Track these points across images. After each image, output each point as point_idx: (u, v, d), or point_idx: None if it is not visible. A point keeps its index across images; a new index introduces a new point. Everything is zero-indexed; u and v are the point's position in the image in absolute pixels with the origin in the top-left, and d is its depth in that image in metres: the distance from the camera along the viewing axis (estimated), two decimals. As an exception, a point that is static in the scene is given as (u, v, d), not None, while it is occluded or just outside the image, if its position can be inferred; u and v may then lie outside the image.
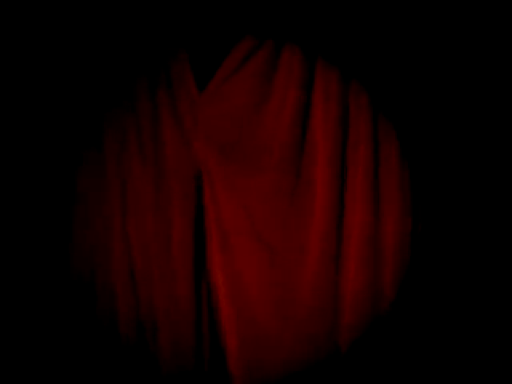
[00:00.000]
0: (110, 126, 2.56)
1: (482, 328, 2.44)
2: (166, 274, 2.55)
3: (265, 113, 2.54)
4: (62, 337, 2.50)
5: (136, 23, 2.52)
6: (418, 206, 2.49)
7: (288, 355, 2.52)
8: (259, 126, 2.54)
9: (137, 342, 2.54)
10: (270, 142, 2.54)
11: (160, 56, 2.56)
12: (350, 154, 2.52)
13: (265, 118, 2.54)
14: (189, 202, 2.55)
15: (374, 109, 2.51)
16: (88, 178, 2.55)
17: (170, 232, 2.54)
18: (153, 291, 2.54)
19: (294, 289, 2.53)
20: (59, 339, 2.50)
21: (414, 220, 2.50)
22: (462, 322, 2.45)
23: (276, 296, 2.53)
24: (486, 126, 2.44)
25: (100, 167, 2.55)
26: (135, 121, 2.55)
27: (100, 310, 2.54)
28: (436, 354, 2.46)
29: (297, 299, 2.52)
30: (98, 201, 2.55)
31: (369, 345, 2.48)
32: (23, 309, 2.49)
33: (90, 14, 2.49)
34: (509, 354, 2.42)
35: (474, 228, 2.45)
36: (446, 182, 2.46)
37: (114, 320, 2.53)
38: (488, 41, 2.42)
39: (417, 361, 2.46)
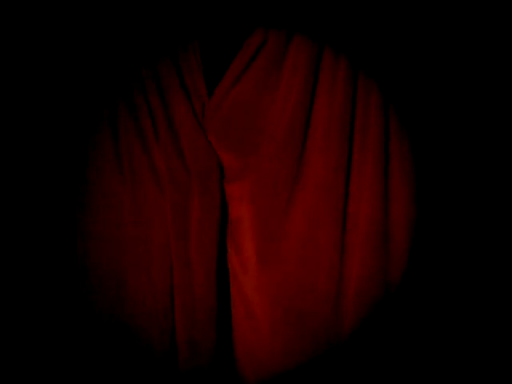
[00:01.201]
0: (120, 120, 2.58)
1: (487, 316, 2.43)
2: (184, 269, 2.57)
3: (272, 104, 2.54)
4: (71, 334, 2.54)
5: (142, 16, 2.52)
6: (427, 194, 2.46)
7: (291, 346, 2.54)
8: (267, 117, 2.54)
9: (152, 338, 2.58)
10: (276, 130, 2.53)
11: (169, 47, 2.57)
12: (357, 140, 2.50)
13: (272, 108, 2.54)
14: (209, 197, 2.57)
15: (384, 96, 2.48)
16: (100, 170, 2.58)
17: (188, 226, 2.56)
18: (170, 287, 2.58)
19: (298, 278, 2.53)
20: (68, 336, 2.54)
21: (422, 208, 2.47)
22: (466, 312, 2.44)
23: (280, 287, 2.54)
24: (498, 118, 2.42)
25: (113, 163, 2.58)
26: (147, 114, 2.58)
27: (113, 305, 2.58)
28: (440, 342, 2.45)
29: (300, 289, 2.53)
30: (112, 193, 2.57)
31: (372, 333, 2.46)
32: (35, 303, 2.53)
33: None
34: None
35: (482, 216, 2.43)
36: (454, 168, 2.44)
37: (128, 316, 2.58)
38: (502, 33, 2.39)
39: (421, 348, 2.45)
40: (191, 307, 2.58)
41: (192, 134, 2.57)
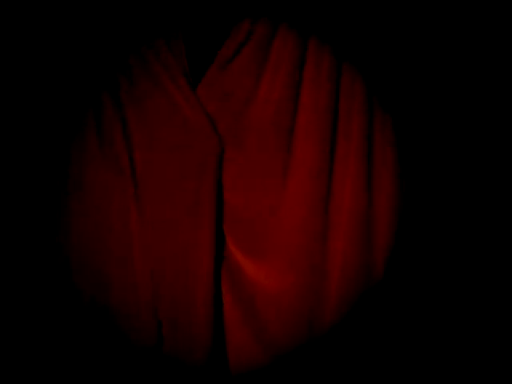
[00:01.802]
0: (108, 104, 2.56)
1: (471, 305, 2.45)
2: (183, 259, 2.54)
3: (257, 93, 2.53)
4: (71, 333, 2.52)
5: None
6: (410, 182, 2.48)
7: (275, 335, 2.53)
8: (252, 108, 2.54)
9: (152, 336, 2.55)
10: (261, 121, 2.54)
11: (153, 37, 2.56)
12: (341, 131, 2.51)
13: (257, 97, 2.54)
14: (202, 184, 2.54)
15: (368, 86, 2.50)
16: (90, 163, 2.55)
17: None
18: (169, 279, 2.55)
19: (284, 267, 2.53)
20: (68, 336, 2.51)
21: (405, 196, 2.49)
22: (452, 300, 2.46)
23: (266, 277, 2.54)
24: (483, 112, 2.44)
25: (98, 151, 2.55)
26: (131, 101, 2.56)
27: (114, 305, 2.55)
28: (426, 331, 2.46)
29: (285, 276, 2.52)
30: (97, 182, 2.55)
31: (357, 321, 2.48)
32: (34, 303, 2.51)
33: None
34: (500, 331, 2.44)
35: (466, 205, 2.45)
36: (439, 157, 2.46)
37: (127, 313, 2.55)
38: (488, 32, 2.42)
39: (406, 338, 2.46)
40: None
41: (178, 123, 2.56)
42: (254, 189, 2.54)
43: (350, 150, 2.49)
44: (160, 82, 2.54)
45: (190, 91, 2.53)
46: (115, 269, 2.54)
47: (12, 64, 2.46)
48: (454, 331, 2.46)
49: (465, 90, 2.44)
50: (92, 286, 2.55)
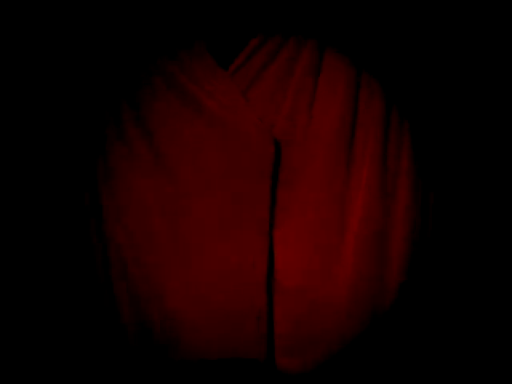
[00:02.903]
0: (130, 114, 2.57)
1: (489, 329, 2.39)
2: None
3: (265, 102, 2.53)
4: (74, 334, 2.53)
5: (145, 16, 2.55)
6: (429, 198, 2.44)
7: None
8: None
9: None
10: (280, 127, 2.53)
11: (174, 46, 2.58)
12: (357, 142, 2.49)
13: (267, 107, 2.53)
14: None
15: (387, 96, 2.47)
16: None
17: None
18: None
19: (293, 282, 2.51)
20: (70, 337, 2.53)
21: (423, 212, 2.44)
22: (469, 324, 2.40)
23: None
24: (501, 118, 2.38)
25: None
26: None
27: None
28: (439, 357, 2.42)
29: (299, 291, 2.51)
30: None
31: (365, 348, 2.45)
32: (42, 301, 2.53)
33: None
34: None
35: (486, 225, 2.38)
36: (457, 172, 2.40)
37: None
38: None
39: (418, 363, 2.42)
40: None
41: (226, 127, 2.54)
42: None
43: (365, 160, 2.47)
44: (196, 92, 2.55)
45: (238, 93, 2.52)
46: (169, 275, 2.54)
47: (36, 72, 2.51)
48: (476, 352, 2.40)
49: (485, 100, 2.38)
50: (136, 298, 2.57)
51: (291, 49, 2.51)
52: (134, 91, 2.57)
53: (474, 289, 2.39)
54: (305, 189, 2.51)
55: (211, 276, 2.50)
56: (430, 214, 2.44)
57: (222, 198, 2.50)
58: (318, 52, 2.50)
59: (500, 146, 2.37)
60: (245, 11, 2.53)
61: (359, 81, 2.48)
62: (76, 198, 2.54)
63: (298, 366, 2.50)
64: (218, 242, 2.50)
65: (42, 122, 2.51)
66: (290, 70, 2.51)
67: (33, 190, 2.51)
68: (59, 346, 2.50)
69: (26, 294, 2.49)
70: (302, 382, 2.50)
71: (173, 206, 2.53)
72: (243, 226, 2.49)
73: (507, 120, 2.37)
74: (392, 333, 2.44)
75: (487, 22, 2.35)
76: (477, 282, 2.39)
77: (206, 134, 2.51)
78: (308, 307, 2.50)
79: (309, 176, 2.51)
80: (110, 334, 2.54)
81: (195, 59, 2.55)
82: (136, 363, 2.53)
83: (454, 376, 2.40)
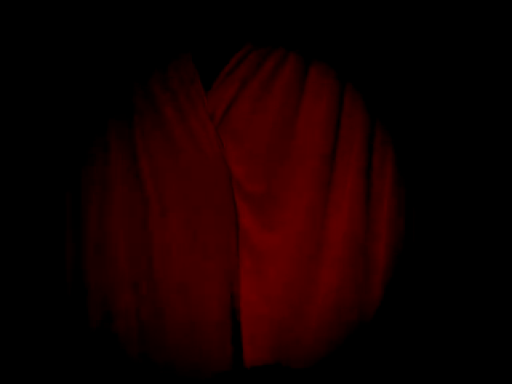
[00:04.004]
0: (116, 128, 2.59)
1: (475, 337, 2.41)
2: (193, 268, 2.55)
3: (252, 112, 2.57)
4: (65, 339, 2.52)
5: (139, 25, 2.57)
6: (411, 212, 2.46)
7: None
8: (257, 126, 2.57)
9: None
10: (260, 141, 2.56)
11: (163, 57, 2.60)
12: (340, 152, 2.52)
13: (254, 117, 2.57)
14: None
15: (370, 112, 2.52)
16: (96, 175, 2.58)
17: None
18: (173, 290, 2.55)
19: (273, 293, 2.54)
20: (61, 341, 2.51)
21: (405, 226, 2.47)
22: (454, 334, 2.42)
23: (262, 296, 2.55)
24: (481, 131, 2.42)
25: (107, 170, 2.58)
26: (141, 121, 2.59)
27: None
28: (422, 369, 2.42)
29: (273, 306, 2.53)
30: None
31: (348, 357, 2.46)
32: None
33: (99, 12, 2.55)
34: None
35: (467, 234, 2.41)
36: (439, 187, 2.43)
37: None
38: (483, 46, 2.41)
39: (403, 368, 2.42)
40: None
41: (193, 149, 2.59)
42: (251, 213, 2.56)
43: (350, 166, 2.50)
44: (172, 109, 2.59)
45: (208, 120, 2.57)
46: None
47: (33, 81, 2.52)
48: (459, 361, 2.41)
49: (467, 107, 2.42)
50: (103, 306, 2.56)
51: (277, 59, 2.54)
52: (119, 103, 2.60)
53: (457, 295, 2.41)
54: (288, 202, 2.54)
55: (179, 290, 2.53)
56: (414, 224, 2.46)
57: (190, 214, 2.55)
58: (304, 62, 2.54)
59: (482, 155, 2.41)
60: (232, 22, 2.57)
61: (343, 91, 2.52)
62: (57, 204, 2.54)
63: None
64: (188, 254, 2.54)
65: (26, 134, 2.52)
66: (275, 82, 2.55)
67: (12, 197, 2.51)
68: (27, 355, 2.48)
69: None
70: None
71: (144, 221, 2.56)
72: (212, 235, 2.54)
73: (486, 130, 2.41)
74: (376, 339, 2.45)
75: (467, 40, 2.41)
76: (460, 288, 2.41)
77: (174, 155, 2.56)
78: (285, 318, 2.52)
79: (291, 186, 2.54)
80: (79, 343, 2.52)
81: (180, 76, 2.58)
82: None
83: (438, 378, 2.41)
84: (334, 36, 2.50)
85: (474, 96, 2.41)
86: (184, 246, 2.54)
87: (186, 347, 2.52)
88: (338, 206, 2.51)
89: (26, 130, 2.51)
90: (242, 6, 2.53)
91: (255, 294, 2.53)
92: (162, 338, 2.53)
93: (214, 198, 2.55)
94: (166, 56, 2.59)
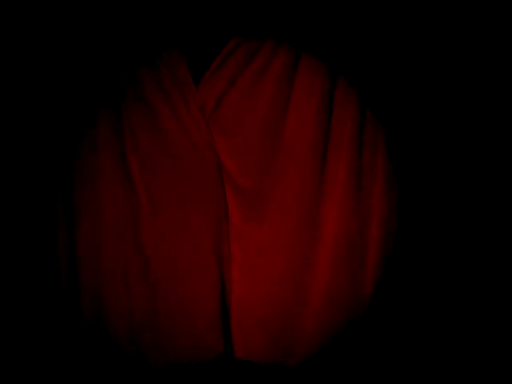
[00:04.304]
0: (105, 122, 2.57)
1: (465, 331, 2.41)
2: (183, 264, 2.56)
3: (244, 107, 2.56)
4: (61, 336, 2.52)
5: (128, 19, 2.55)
6: (403, 204, 2.45)
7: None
8: (248, 118, 2.56)
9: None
10: (251, 136, 2.55)
11: (153, 51, 2.58)
12: (332, 145, 2.51)
13: (244, 111, 2.56)
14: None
15: (361, 105, 2.50)
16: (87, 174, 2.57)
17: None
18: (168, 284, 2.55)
19: (263, 287, 2.53)
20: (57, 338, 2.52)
21: (398, 219, 2.45)
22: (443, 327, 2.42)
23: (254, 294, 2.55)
24: (473, 125, 2.41)
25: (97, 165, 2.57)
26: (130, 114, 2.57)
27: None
28: (413, 360, 2.43)
29: (264, 298, 2.53)
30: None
31: (341, 349, 2.46)
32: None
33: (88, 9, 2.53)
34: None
35: (460, 229, 2.40)
36: (431, 183, 2.42)
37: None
38: (474, 39, 2.39)
39: (393, 367, 2.43)
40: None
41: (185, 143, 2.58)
42: (242, 209, 2.56)
43: (340, 161, 2.49)
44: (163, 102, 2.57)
45: (200, 114, 2.55)
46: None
47: (22, 74, 2.50)
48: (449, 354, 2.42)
49: (458, 102, 2.41)
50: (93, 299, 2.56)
51: (266, 53, 2.52)
52: (109, 97, 2.57)
53: (448, 290, 2.41)
54: (280, 197, 2.53)
55: (172, 280, 2.54)
56: (406, 218, 2.45)
57: (182, 207, 2.55)
58: (294, 55, 2.52)
59: (473, 148, 2.40)
60: (222, 15, 2.54)
61: (334, 84, 2.50)
62: (49, 202, 2.54)
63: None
64: (179, 246, 2.54)
65: (15, 131, 2.50)
66: (265, 75, 2.53)
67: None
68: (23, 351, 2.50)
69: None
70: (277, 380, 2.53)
71: (132, 213, 2.56)
72: (204, 231, 2.54)
73: (478, 124, 2.40)
74: (367, 333, 2.45)
75: (458, 33, 2.39)
76: (451, 283, 2.41)
77: (165, 149, 2.55)
78: (275, 310, 2.52)
79: (283, 179, 2.53)
80: (73, 338, 2.53)
81: (169, 67, 2.56)
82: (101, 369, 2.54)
83: (428, 373, 2.41)
84: (324, 29, 2.48)
85: (465, 90, 2.40)
86: (175, 239, 2.54)
87: (178, 336, 2.53)
88: (329, 201, 2.50)
89: (13, 127, 2.50)
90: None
91: (245, 286, 2.53)
92: (153, 327, 2.54)
93: (205, 192, 2.54)
94: (156, 50, 2.57)
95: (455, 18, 2.39)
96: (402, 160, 2.45)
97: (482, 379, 2.37)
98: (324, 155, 2.51)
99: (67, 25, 2.51)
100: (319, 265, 2.50)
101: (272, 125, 2.54)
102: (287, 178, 2.53)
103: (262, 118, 2.54)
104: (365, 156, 2.49)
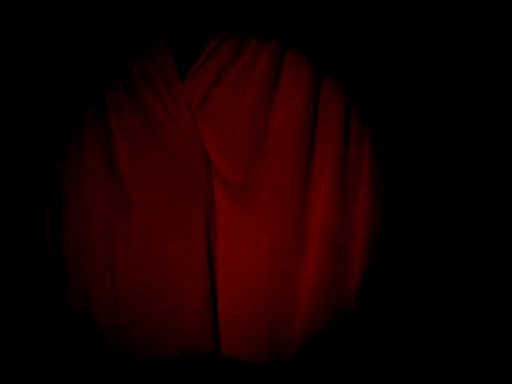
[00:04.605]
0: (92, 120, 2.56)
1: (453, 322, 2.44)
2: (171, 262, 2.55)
3: (231, 102, 2.55)
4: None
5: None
6: (390, 202, 2.46)
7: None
8: (234, 113, 2.55)
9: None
10: (240, 132, 2.55)
11: (138, 45, 2.56)
12: (318, 140, 2.51)
13: (231, 107, 2.55)
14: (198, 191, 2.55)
15: (348, 99, 2.50)
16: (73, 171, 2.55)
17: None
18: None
19: (250, 284, 2.54)
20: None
21: (384, 216, 2.47)
22: (430, 322, 2.44)
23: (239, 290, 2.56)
24: (462, 123, 2.42)
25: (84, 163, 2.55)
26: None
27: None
28: (401, 355, 2.45)
29: (251, 295, 2.54)
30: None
31: (327, 347, 2.48)
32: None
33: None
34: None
35: (448, 225, 2.42)
36: (417, 178, 2.43)
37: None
38: (465, 35, 2.40)
39: (379, 364, 2.45)
40: None
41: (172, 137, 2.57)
42: (229, 201, 2.55)
43: (327, 155, 2.50)
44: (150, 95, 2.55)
45: (186, 108, 2.54)
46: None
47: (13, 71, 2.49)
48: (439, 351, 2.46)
49: (447, 99, 2.42)
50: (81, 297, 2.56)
51: (252, 48, 2.51)
52: (95, 94, 2.55)
53: (435, 284, 2.44)
54: (265, 191, 2.53)
55: (158, 275, 2.53)
56: (391, 213, 2.47)
57: (168, 204, 2.53)
58: (279, 52, 2.51)
59: (461, 144, 2.42)
60: (208, 9, 2.53)
61: (320, 81, 2.50)
62: (32, 199, 2.52)
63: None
64: (166, 240, 2.53)
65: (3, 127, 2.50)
66: (251, 71, 2.52)
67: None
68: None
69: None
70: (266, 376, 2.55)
71: (120, 211, 2.54)
72: (189, 226, 2.53)
73: (465, 119, 2.41)
74: (357, 328, 2.47)
75: (450, 29, 2.40)
76: (438, 278, 2.43)
77: (153, 145, 2.54)
78: (264, 305, 2.53)
79: (270, 174, 2.53)
80: (61, 334, 2.53)
81: (155, 63, 2.54)
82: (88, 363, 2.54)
83: (420, 370, 2.45)
84: (311, 23, 2.47)
85: (454, 87, 2.41)
86: (164, 237, 2.54)
87: (166, 334, 2.54)
88: (316, 195, 2.51)
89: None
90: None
91: (233, 281, 2.54)
92: (141, 325, 2.54)
93: (195, 189, 2.53)
94: (142, 45, 2.55)
95: (445, 13, 2.38)
96: (388, 154, 2.46)
97: (481, 378, 2.42)
98: (310, 150, 2.52)
99: (55, 21, 2.49)
100: (307, 259, 2.51)
101: (259, 120, 2.53)
102: (274, 173, 2.53)
103: (249, 113, 2.53)
104: (351, 150, 2.49)
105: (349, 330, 2.47)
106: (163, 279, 2.54)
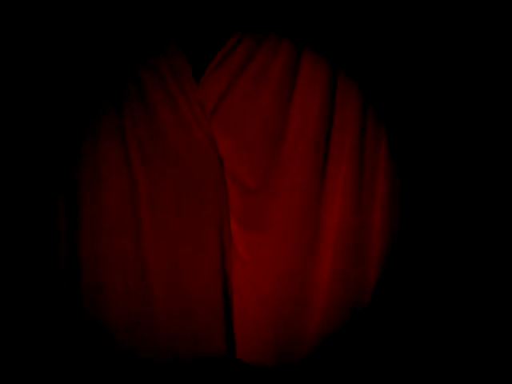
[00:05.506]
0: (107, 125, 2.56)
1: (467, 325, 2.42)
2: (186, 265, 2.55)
3: (246, 105, 2.55)
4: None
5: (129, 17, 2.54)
6: (405, 200, 2.46)
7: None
8: (250, 116, 2.55)
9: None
10: (254, 132, 2.55)
11: (153, 50, 2.57)
12: (334, 142, 2.51)
13: (246, 108, 2.55)
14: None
15: (364, 101, 2.49)
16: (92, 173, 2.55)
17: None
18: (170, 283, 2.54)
19: (265, 285, 2.54)
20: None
21: (400, 213, 2.46)
22: (444, 320, 2.43)
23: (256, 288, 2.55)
24: (474, 122, 2.42)
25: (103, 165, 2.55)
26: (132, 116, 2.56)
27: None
28: (416, 352, 2.44)
29: (266, 297, 2.53)
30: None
31: (345, 342, 2.47)
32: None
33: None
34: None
35: (461, 224, 2.41)
36: (433, 176, 2.43)
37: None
38: (476, 38, 2.40)
39: (394, 359, 2.44)
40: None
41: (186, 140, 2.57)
42: (244, 198, 2.55)
43: (343, 159, 2.49)
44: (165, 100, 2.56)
45: (201, 111, 2.54)
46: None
47: (25, 72, 2.49)
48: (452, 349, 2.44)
49: (459, 100, 2.41)
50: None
51: (269, 48, 2.51)
52: (111, 95, 2.56)
53: (451, 282, 2.42)
54: (280, 193, 2.54)
55: (172, 277, 2.53)
56: (408, 211, 2.46)
57: (185, 203, 2.54)
58: (296, 51, 2.51)
59: (475, 144, 2.41)
60: (222, 10, 2.53)
61: (336, 81, 2.50)
62: (50, 194, 2.52)
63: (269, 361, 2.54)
64: (179, 242, 2.53)
65: (20, 128, 2.49)
66: (267, 73, 2.52)
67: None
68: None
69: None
70: (281, 376, 2.53)
71: (134, 212, 2.54)
72: (206, 228, 2.53)
73: (479, 120, 2.41)
74: (371, 327, 2.46)
75: (461, 31, 2.40)
76: (453, 275, 2.42)
77: (166, 146, 2.54)
78: (279, 306, 2.52)
79: (285, 177, 2.53)
80: (74, 335, 2.52)
81: (170, 64, 2.55)
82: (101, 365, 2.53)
83: (432, 369, 2.43)
84: (326, 23, 2.48)
85: (469, 88, 2.41)
86: (175, 235, 2.54)
87: (179, 335, 2.53)
88: (331, 197, 2.50)
89: (15, 123, 2.49)
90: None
91: (247, 283, 2.54)
92: (153, 325, 2.54)
93: (207, 190, 2.54)
94: (157, 47, 2.56)
95: (459, 15, 2.39)
96: (403, 155, 2.46)
97: (482, 378, 2.40)
98: (326, 153, 2.51)
99: (69, 23, 2.49)
100: (322, 259, 2.50)
101: (274, 122, 2.53)
102: (290, 174, 2.53)
103: (264, 116, 2.53)
104: (367, 153, 2.49)
105: (362, 330, 2.46)
106: (177, 280, 2.53)
